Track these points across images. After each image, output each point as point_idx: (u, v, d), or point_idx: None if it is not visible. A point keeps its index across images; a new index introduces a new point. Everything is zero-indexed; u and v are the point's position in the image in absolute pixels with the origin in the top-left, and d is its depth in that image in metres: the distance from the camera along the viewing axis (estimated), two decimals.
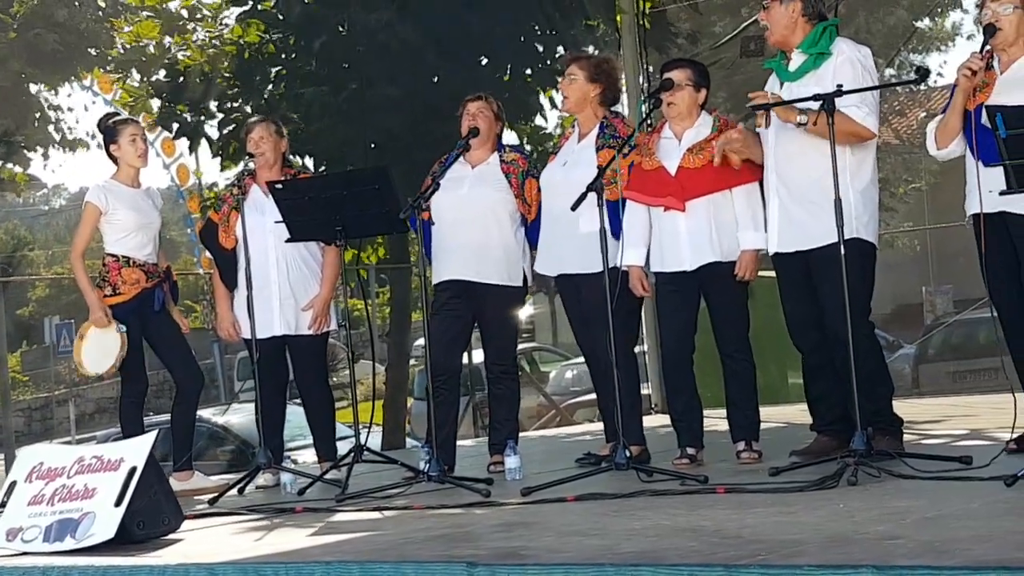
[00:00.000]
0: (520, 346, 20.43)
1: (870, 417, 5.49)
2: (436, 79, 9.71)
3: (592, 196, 5.66)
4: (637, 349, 7.43)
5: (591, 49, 10.91)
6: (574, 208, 5.73)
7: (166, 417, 7.35)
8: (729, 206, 5.96)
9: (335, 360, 16.51)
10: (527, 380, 17.30)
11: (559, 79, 6.54)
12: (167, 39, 11.49)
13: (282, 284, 6.66)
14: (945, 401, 10.08)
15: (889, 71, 23.04)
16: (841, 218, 5.29)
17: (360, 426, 6.67)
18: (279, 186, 6.34)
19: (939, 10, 22.09)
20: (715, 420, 6.31)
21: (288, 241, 6.47)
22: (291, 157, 7.10)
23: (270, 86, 10.73)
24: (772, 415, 7.39)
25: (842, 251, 5.28)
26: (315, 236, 6.56)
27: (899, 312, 23.10)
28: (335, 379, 12.23)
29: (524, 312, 25.02)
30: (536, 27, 10.33)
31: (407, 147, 9.60)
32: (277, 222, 6.40)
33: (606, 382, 6.04)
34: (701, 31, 12.98)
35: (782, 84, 5.76)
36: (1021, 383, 5.60)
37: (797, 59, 5.76)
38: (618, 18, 10.31)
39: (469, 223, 6.41)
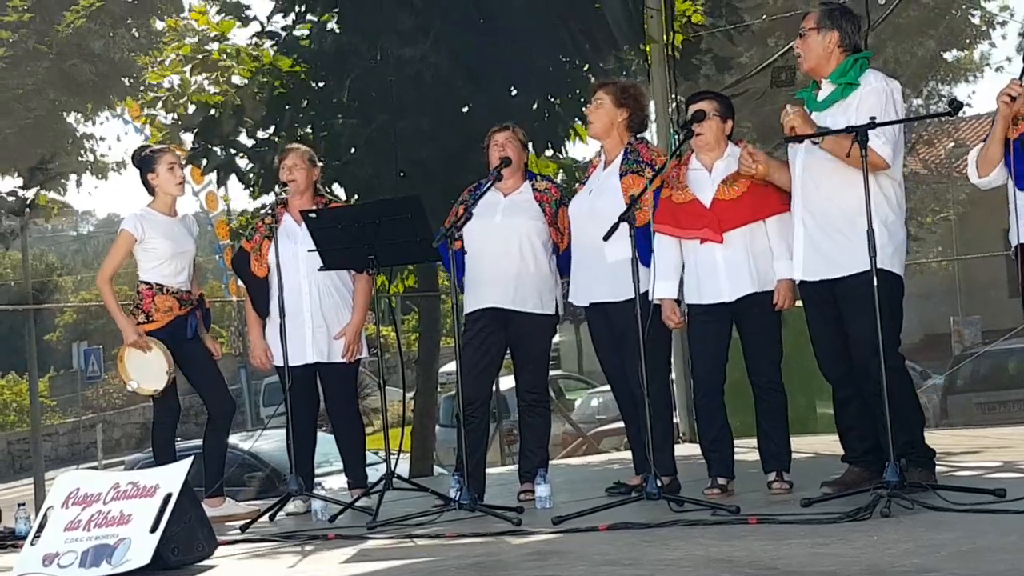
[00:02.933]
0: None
1: (902, 448, 5.48)
2: (466, 109, 9.76)
3: (624, 226, 5.68)
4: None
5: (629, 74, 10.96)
6: (607, 238, 5.75)
7: (196, 442, 7.38)
8: (763, 236, 5.97)
9: (362, 387, 16.55)
10: (553, 408, 17.31)
11: (587, 106, 6.55)
12: (201, 76, 11.54)
13: (314, 312, 6.69)
14: (975, 432, 10.02)
15: (918, 102, 23.03)
16: (874, 248, 5.29)
17: (383, 454, 6.68)
18: (312, 215, 6.37)
19: (967, 41, 22.08)
20: (745, 450, 6.30)
21: (321, 270, 6.51)
22: (321, 187, 7.11)
23: (301, 116, 10.78)
24: (800, 445, 7.37)
25: (874, 281, 5.28)
26: (347, 265, 6.60)
27: (927, 342, 23.00)
28: (361, 406, 12.28)
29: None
30: (565, 58, 10.37)
31: (437, 177, 9.65)
32: (310, 251, 6.43)
33: (636, 412, 6.04)
34: (730, 61, 12.99)
35: (810, 113, 5.78)
36: None
37: (826, 89, 5.77)
38: (647, 48, 10.35)
39: (504, 251, 6.43)
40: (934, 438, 6.14)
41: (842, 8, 5.92)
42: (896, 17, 19.39)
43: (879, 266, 5.42)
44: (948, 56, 22.38)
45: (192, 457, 5.46)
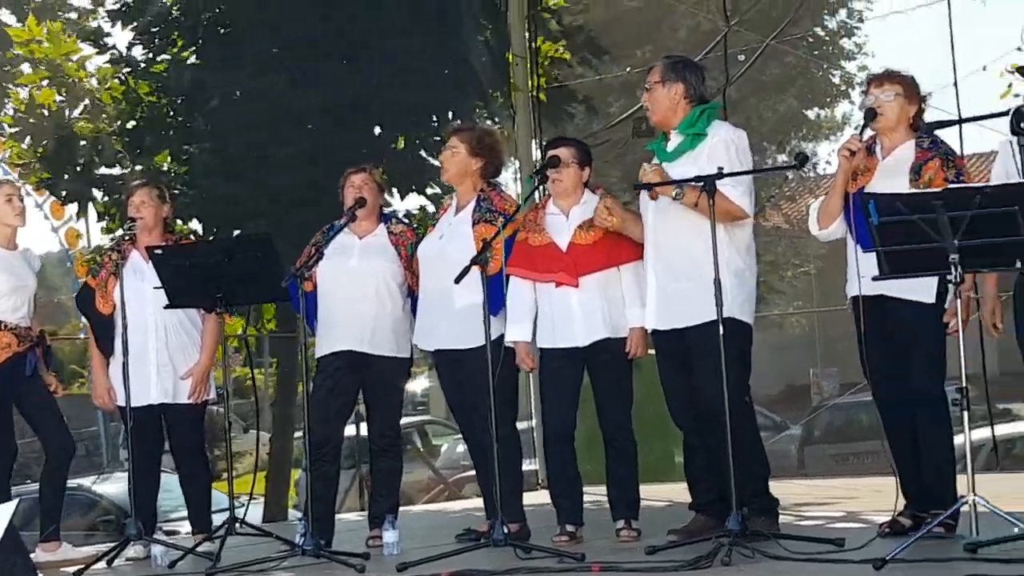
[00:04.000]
0: (412, 419, 20.34)
1: (747, 497, 5.52)
2: (328, 147, 9.70)
3: (475, 270, 5.67)
4: (524, 425, 7.42)
5: (488, 122, 10.99)
6: (457, 281, 5.73)
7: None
8: (618, 283, 6.00)
9: (225, 431, 16.21)
10: (417, 454, 17.18)
11: (442, 152, 6.53)
12: (59, 98, 11.32)
13: (160, 351, 6.54)
14: (828, 483, 10.16)
15: (782, 157, 23.47)
16: (721, 297, 5.34)
17: (243, 497, 6.55)
18: (159, 251, 6.25)
19: (828, 100, 22.65)
20: (599, 496, 6.30)
21: (167, 307, 6.37)
22: (177, 222, 6.99)
23: (158, 148, 10.65)
24: (657, 493, 7.40)
25: (720, 330, 5.32)
26: (194, 303, 6.47)
27: (787, 393, 23.33)
28: (220, 450, 12.04)
29: (419, 385, 24.95)
30: (431, 101, 10.37)
31: (296, 213, 9.57)
32: (156, 288, 6.29)
33: (486, 458, 6.00)
34: (597, 110, 13.12)
35: (660, 163, 5.82)
36: (897, 466, 5.68)
37: (675, 140, 5.83)
38: (512, 94, 10.41)
39: (360, 294, 6.37)
40: (787, 487, 6.22)
41: (685, 61, 6.00)
42: (759, 74, 19.80)
43: (729, 315, 5.48)
44: (810, 114, 22.92)
45: (18, 500, 5.26)
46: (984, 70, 10.53)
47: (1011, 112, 4.90)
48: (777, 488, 6.08)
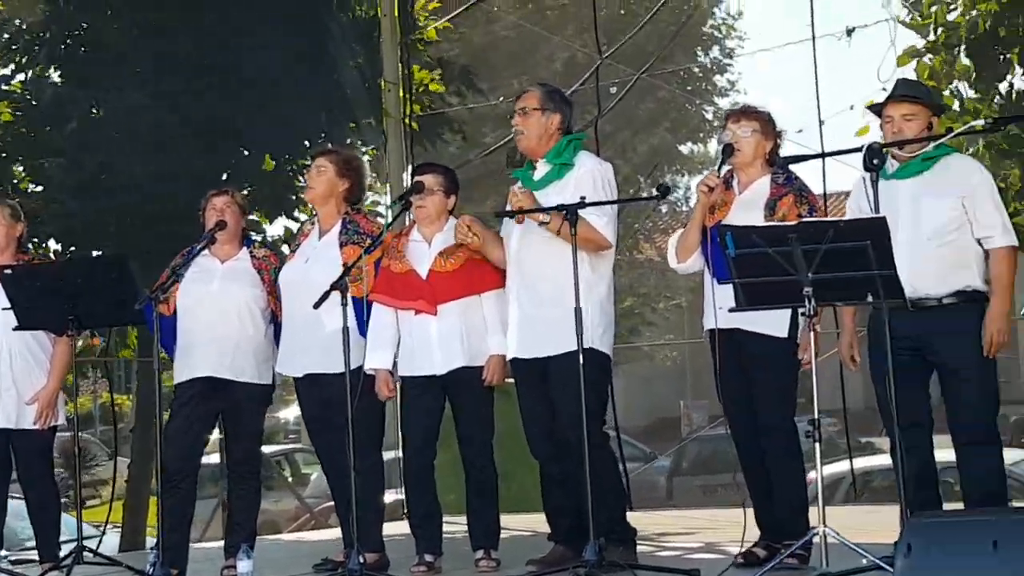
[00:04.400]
0: (282, 447, 20.02)
1: (604, 528, 5.52)
2: (192, 168, 9.56)
3: (336, 295, 5.60)
4: (392, 455, 7.34)
5: (362, 146, 10.97)
6: (316, 306, 5.66)
7: None
8: (479, 310, 5.97)
9: (90, 457, 15.85)
10: (284, 483, 16.95)
11: (307, 172, 6.46)
12: None
13: (4, 374, 6.35)
14: (694, 513, 10.24)
15: (655, 190, 23.79)
16: (581, 326, 5.35)
17: (100, 525, 6.37)
18: (8, 271, 6.07)
19: (702, 135, 22.98)
20: (463, 526, 6.25)
21: (16, 329, 6.18)
22: (34, 240, 6.80)
23: (15, 166, 10.41)
24: (522, 523, 7.39)
25: (580, 359, 5.33)
26: (45, 325, 6.30)
27: (658, 425, 23.57)
28: (88, 476, 11.71)
29: (291, 413, 24.63)
30: (301, 125, 10.29)
31: (154, 234, 9.40)
32: (4, 309, 6.11)
33: (344, 487, 5.93)
34: (472, 139, 13.15)
35: (529, 191, 5.82)
36: (752, 497, 5.73)
37: (542, 169, 5.84)
38: (384, 120, 10.37)
39: (221, 319, 6.25)
40: (655, 518, 6.24)
41: (560, 92, 6.03)
42: (633, 108, 20.08)
43: (590, 345, 5.52)
44: (684, 148, 23.25)
45: None
46: (851, 109, 10.77)
47: (864, 148, 4.98)
48: (643, 518, 6.17)
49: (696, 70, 21.66)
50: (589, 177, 5.72)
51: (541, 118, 5.82)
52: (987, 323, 5.24)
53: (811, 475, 11.50)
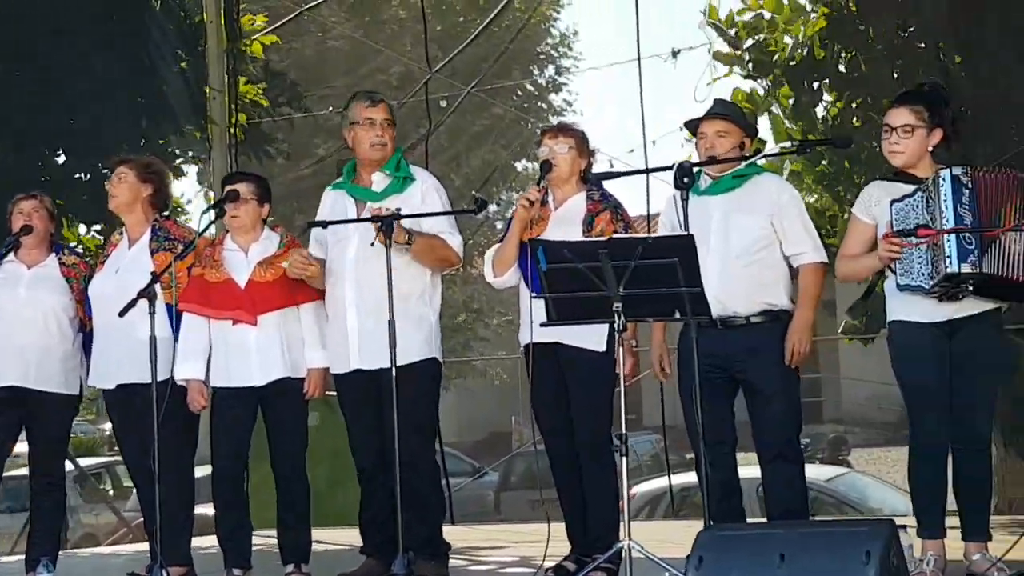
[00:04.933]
0: (102, 460, 19.50)
1: (419, 542, 5.51)
2: (1, 172, 9.29)
3: (145, 303, 5.50)
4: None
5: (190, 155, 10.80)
6: (123, 313, 5.55)
7: None
8: (297, 322, 5.89)
9: None
10: (103, 496, 16.52)
11: (108, 181, 6.30)
12: None
13: None
14: (520, 528, 10.27)
15: (493, 208, 23.88)
16: (394, 338, 5.35)
17: None
18: None
19: (532, 154, 23.16)
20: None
21: None
22: None
23: None
24: (341, 537, 7.34)
25: (392, 372, 5.32)
26: None
27: (490, 439, 23.66)
28: None
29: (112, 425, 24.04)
30: (123, 131, 10.06)
31: None
32: None
33: (152, 499, 5.80)
34: (304, 150, 13.04)
35: (365, 203, 5.77)
36: (564, 510, 5.78)
37: (381, 180, 5.81)
38: (209, 128, 10.21)
39: (28, 326, 6.08)
40: (479, 533, 6.22)
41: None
42: (469, 124, 20.16)
43: (432, 355, 5.64)
44: (519, 165, 23.42)
45: None
46: (681, 130, 10.95)
47: (675, 167, 5.06)
48: (466, 533, 6.16)
49: (531, 88, 21.87)
50: (435, 192, 5.82)
51: (390, 130, 5.84)
52: (789, 333, 5.35)
53: (633, 490, 11.70)
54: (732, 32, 11.00)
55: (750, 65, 11.09)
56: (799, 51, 10.89)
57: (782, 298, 5.43)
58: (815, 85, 10.83)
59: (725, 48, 11.06)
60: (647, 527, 8.97)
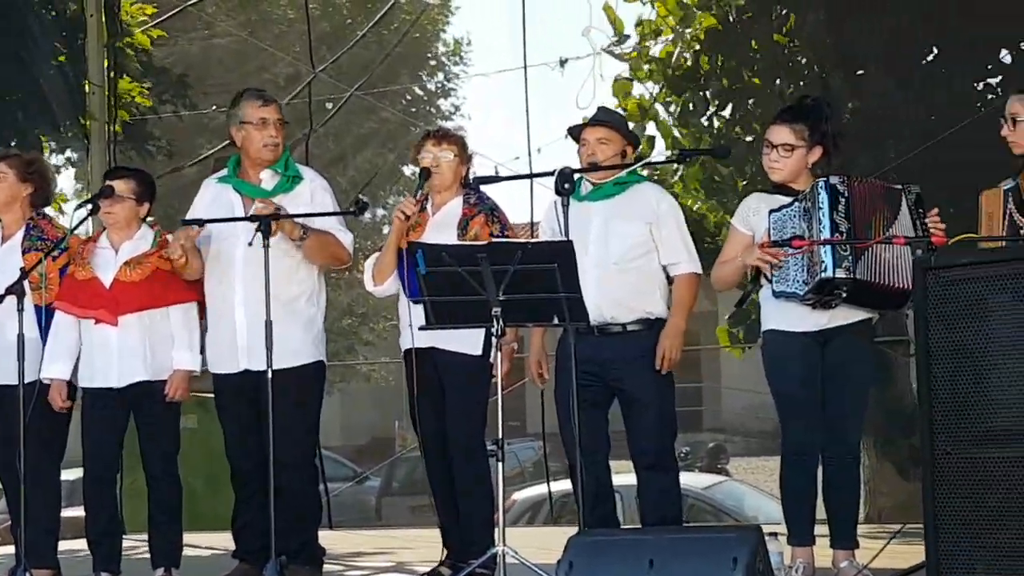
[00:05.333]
0: None
1: (294, 547, 5.47)
2: None
3: (11, 300, 5.37)
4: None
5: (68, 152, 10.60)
6: None
7: None
8: (165, 323, 5.78)
9: None
10: None
11: None
12: None
13: None
14: (402, 533, 10.24)
15: (381, 212, 23.76)
16: (270, 339, 5.29)
17: None
18: None
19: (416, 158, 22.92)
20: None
21: None
22: None
23: None
24: (215, 541, 7.24)
25: (264, 377, 5.25)
26: None
27: (373, 444, 23.54)
28: None
29: None
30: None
31: None
32: None
33: (18, 501, 5.67)
34: (188, 147, 12.85)
35: (252, 200, 5.69)
36: (439, 515, 5.77)
37: (270, 179, 5.75)
38: (87, 124, 10.01)
39: None
40: (358, 538, 6.17)
41: None
42: (356, 127, 20.02)
43: (321, 357, 5.64)
44: (407, 170, 23.31)
45: None
46: (567, 138, 11.00)
47: (556, 173, 5.07)
48: (345, 538, 6.11)
49: (420, 93, 21.82)
50: (326, 192, 5.80)
51: (282, 131, 5.81)
52: (661, 338, 5.38)
53: (513, 496, 11.69)
54: (623, 35, 11.08)
55: (644, 69, 11.18)
56: (684, 59, 11.01)
57: (659, 307, 5.47)
58: (701, 93, 10.95)
59: (617, 49, 11.14)
60: (526, 533, 9.00)
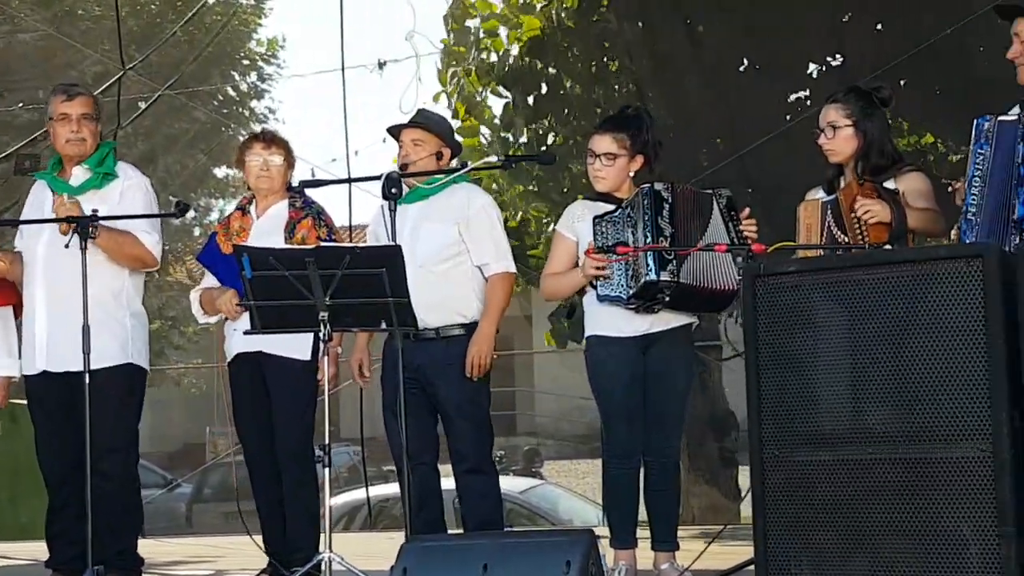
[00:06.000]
0: None
1: (111, 556, 5.36)
2: None
3: None
4: None
5: None
6: None
7: None
8: None
9: None
10: None
11: None
12: None
13: None
14: (210, 541, 10.08)
15: (191, 215, 23.34)
16: (88, 343, 5.15)
17: None
18: None
19: (231, 160, 22.66)
20: None
21: None
22: None
23: None
24: (26, 551, 7.03)
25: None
26: None
27: (184, 451, 23.12)
28: None
29: None
30: None
31: None
32: None
33: None
34: None
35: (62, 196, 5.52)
36: (261, 524, 5.70)
37: (80, 174, 5.61)
38: None
39: None
40: (173, 547, 6.03)
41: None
42: (168, 126, 19.61)
43: (131, 359, 5.49)
44: (219, 172, 22.97)
45: None
46: (384, 142, 10.98)
47: (383, 177, 5.04)
48: (159, 546, 5.97)
49: (233, 93, 21.48)
50: (140, 191, 5.65)
51: (94, 126, 5.66)
52: (471, 344, 5.35)
53: (334, 500, 11.64)
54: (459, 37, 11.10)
55: (471, 71, 11.22)
56: (510, 62, 11.07)
57: (475, 310, 5.44)
58: (528, 99, 11.04)
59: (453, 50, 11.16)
60: (346, 539, 8.93)
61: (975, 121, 4.43)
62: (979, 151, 4.38)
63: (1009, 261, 3.60)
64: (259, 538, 5.68)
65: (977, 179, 4.35)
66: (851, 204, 4.73)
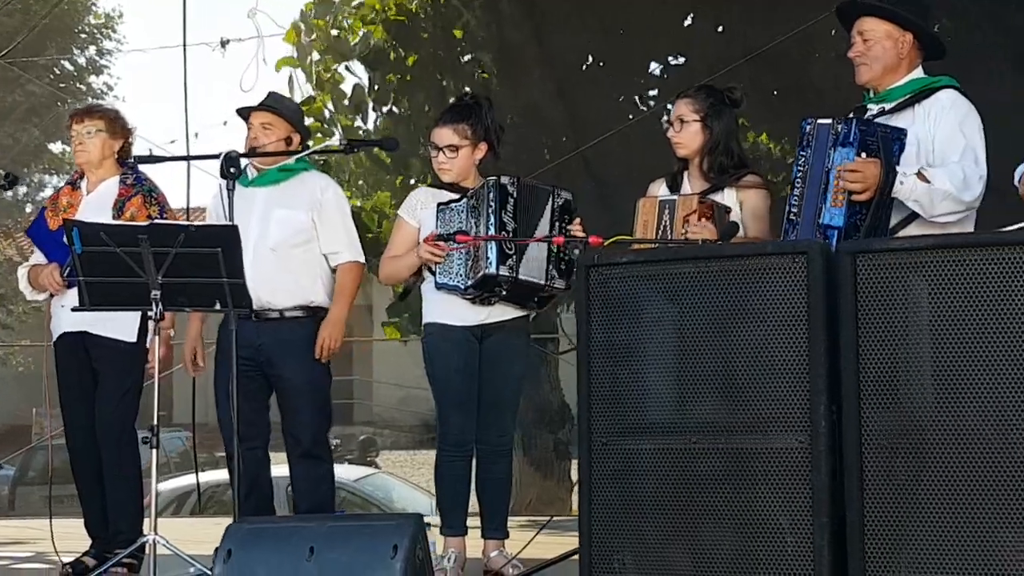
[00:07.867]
0: None
1: None
2: None
3: None
4: None
5: None
6: None
7: None
8: None
9: None
10: None
11: None
12: None
13: None
14: (41, 523, 9.80)
15: (23, 189, 22.67)
16: None
17: None
18: None
19: (67, 135, 22.05)
20: None
21: None
22: None
23: None
24: None
25: None
26: None
27: (9, 432, 22.48)
28: None
29: None
30: None
31: None
32: None
33: None
34: None
35: None
36: (83, 504, 5.59)
37: None
38: None
39: None
40: None
41: None
42: (1, 99, 19.04)
43: None
44: (55, 147, 22.37)
45: None
46: (225, 124, 10.83)
47: (222, 156, 4.98)
48: None
49: (70, 67, 20.92)
50: None
51: None
52: (323, 326, 5.37)
53: (163, 485, 11.41)
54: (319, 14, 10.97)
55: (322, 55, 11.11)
56: (368, 44, 10.99)
57: (320, 295, 5.44)
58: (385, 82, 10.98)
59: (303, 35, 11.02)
60: (173, 523, 8.80)
61: (801, 123, 4.53)
62: (801, 153, 4.48)
63: (832, 259, 3.70)
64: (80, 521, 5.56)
65: (799, 180, 4.45)
66: (685, 217, 4.80)
